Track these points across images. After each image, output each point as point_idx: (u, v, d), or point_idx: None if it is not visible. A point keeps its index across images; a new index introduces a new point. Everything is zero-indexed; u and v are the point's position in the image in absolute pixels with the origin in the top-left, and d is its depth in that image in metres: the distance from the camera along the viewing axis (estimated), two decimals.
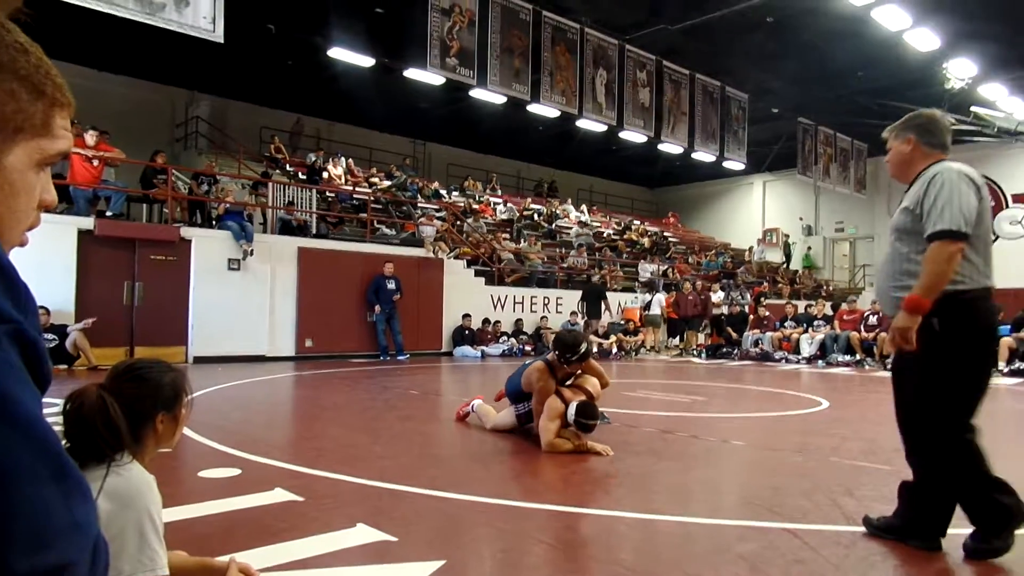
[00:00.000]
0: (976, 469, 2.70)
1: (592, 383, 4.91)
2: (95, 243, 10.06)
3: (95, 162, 10.47)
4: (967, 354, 2.66)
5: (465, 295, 14.26)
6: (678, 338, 16.47)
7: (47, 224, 9.43)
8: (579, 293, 16.28)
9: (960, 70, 16.05)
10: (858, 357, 13.30)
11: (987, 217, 2.70)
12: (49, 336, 8.76)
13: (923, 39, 14.21)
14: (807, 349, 14.05)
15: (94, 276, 10.05)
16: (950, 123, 2.93)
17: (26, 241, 0.66)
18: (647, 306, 16.38)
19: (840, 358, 13.40)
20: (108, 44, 13.41)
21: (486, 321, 14.30)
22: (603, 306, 14.99)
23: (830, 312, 14.77)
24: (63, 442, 1.32)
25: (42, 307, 8.46)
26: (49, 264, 9.14)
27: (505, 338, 14.35)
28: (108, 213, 10.56)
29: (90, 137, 10.46)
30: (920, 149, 2.89)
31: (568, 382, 4.89)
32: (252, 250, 11.40)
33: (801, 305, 16.60)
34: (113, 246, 10.23)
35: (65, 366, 9.02)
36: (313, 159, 16.27)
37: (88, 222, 10.04)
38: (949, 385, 2.67)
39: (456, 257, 14.94)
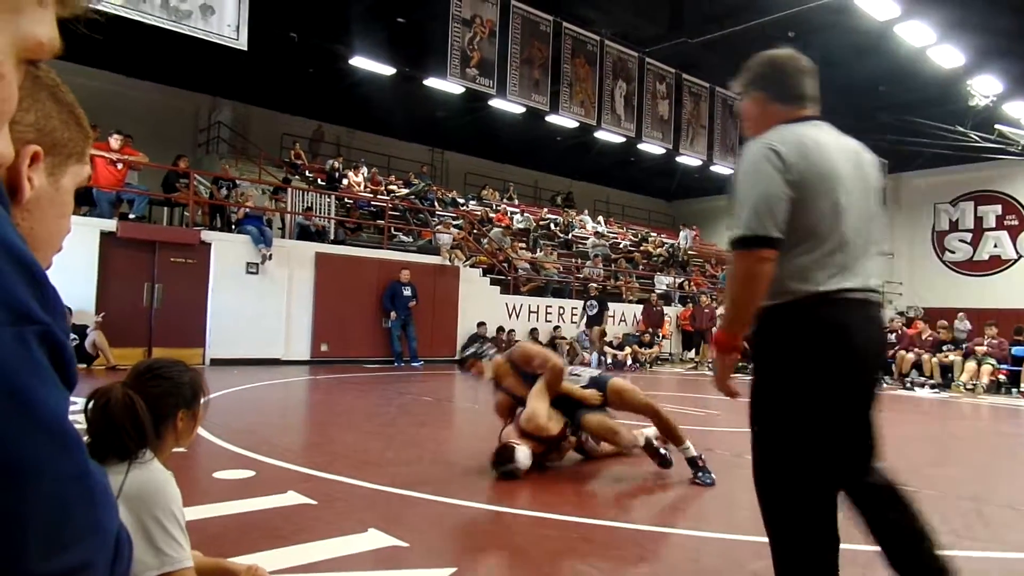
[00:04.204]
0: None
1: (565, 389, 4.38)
2: (117, 245, 10.19)
3: (119, 165, 10.63)
4: (805, 385, 1.89)
5: (480, 303, 14.28)
6: (694, 351, 16.36)
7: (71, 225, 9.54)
8: (592, 304, 16.27)
9: (984, 87, 15.90)
10: None
11: (822, 197, 1.88)
12: (70, 336, 8.87)
13: (947, 55, 14.09)
14: None
15: (115, 277, 10.18)
16: (806, 65, 2.10)
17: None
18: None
19: None
20: (135, 50, 13.63)
21: (500, 329, 14.30)
22: (603, 315, 14.85)
23: None
24: (85, 439, 1.34)
25: (65, 307, 8.58)
26: (71, 265, 9.26)
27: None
28: (130, 216, 10.71)
29: (114, 141, 10.62)
30: (767, 107, 2.07)
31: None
32: (271, 254, 11.49)
33: None
34: (134, 248, 10.36)
35: (84, 365, 9.13)
36: (333, 165, 16.42)
37: (110, 224, 10.18)
38: (791, 433, 1.92)
39: (472, 265, 14.97)
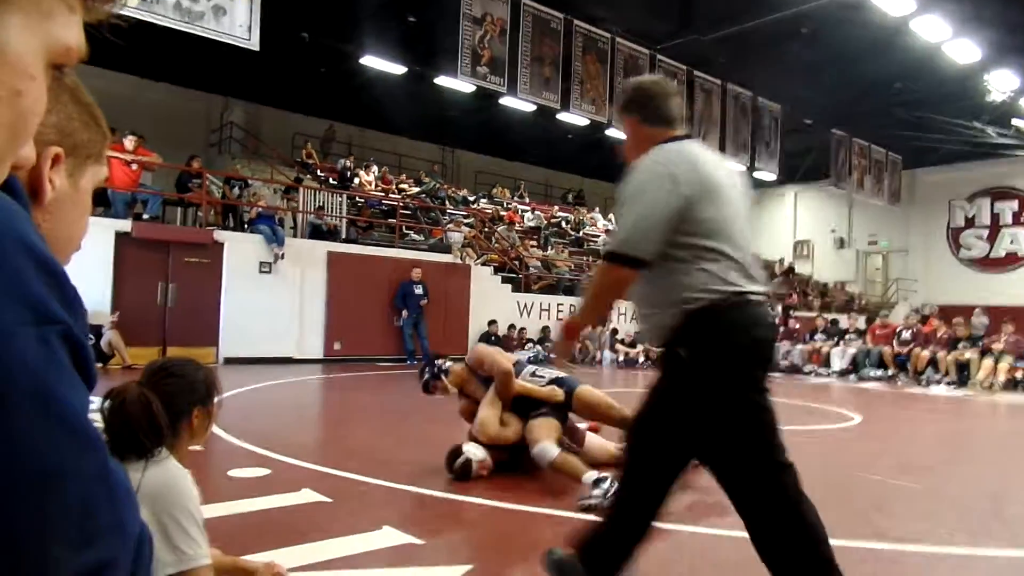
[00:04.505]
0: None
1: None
2: (131, 245, 10.28)
3: (133, 166, 10.72)
4: (716, 384, 1.97)
5: (491, 301, 14.28)
6: None
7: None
8: None
9: (1001, 82, 15.70)
10: (891, 372, 13.03)
11: (714, 207, 1.98)
12: (89, 335, 8.96)
13: (963, 50, 13.92)
14: (838, 363, 13.80)
15: (130, 277, 10.27)
16: (672, 89, 2.24)
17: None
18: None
19: (872, 373, 13.14)
20: (148, 52, 13.74)
21: (511, 327, 14.31)
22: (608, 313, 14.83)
23: (863, 326, 14.49)
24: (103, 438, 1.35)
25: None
26: (87, 265, 9.35)
27: (531, 345, 14.33)
28: (144, 216, 10.80)
29: (128, 142, 10.71)
30: (641, 129, 2.20)
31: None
32: (283, 254, 11.55)
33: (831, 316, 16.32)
34: (149, 248, 10.45)
35: (100, 364, 9.22)
36: (344, 164, 16.47)
37: (125, 224, 10.27)
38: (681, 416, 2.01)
39: (483, 264, 14.98)
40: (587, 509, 3.37)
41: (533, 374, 4.24)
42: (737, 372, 1.98)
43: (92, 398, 0.55)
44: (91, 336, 9.22)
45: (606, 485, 3.43)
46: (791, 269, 23.61)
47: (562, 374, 4.22)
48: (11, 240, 0.48)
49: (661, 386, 2.05)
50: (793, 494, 2.06)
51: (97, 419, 1.45)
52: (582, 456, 3.97)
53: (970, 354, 12.27)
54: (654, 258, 1.95)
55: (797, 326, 15.17)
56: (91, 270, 9.51)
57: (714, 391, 1.96)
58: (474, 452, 3.96)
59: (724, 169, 2.13)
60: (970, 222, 22.52)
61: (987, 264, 22.04)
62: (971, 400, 10.47)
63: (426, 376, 4.45)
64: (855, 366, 13.53)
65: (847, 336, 14.28)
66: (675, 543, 3.11)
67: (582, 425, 4.53)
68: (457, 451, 3.99)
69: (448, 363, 4.47)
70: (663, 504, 2.13)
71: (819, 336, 14.64)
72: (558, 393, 4.06)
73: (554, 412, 4.02)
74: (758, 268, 2.10)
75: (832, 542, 2.99)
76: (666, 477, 2.10)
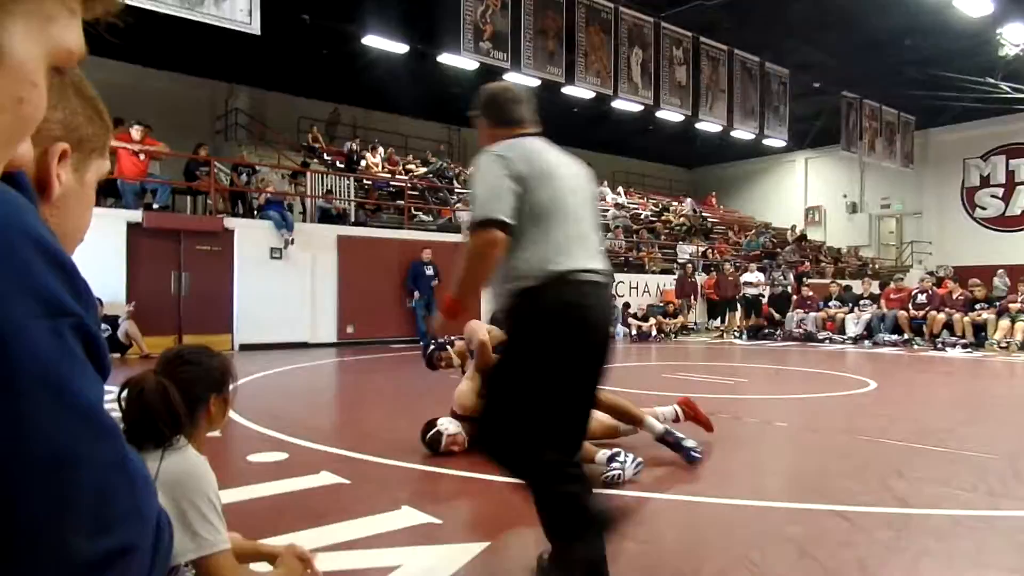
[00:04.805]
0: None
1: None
2: (143, 235, 10.34)
3: (141, 156, 10.74)
4: (537, 353, 2.13)
5: None
6: (719, 319, 16.25)
7: (98, 218, 9.62)
8: (617, 277, 16.17)
9: (1015, 36, 15.35)
10: (906, 336, 12.95)
11: (547, 192, 2.16)
12: (103, 326, 9.06)
13: (975, 4, 13.58)
14: (853, 329, 13.72)
15: (143, 267, 10.34)
16: (519, 94, 2.42)
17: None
18: None
19: (887, 338, 13.06)
20: (150, 40, 13.70)
21: None
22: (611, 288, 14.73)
23: (876, 291, 14.39)
24: (121, 427, 1.36)
25: (96, 298, 8.75)
26: (101, 256, 9.42)
27: None
28: (155, 206, 10.84)
29: (136, 132, 10.71)
30: (490, 130, 2.39)
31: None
32: (293, 239, 11.58)
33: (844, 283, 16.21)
34: (160, 237, 10.50)
35: (118, 355, 9.32)
36: (350, 147, 16.42)
37: (136, 215, 10.32)
38: (525, 391, 2.15)
39: None
40: (610, 483, 3.39)
41: None
42: (556, 345, 2.12)
43: (109, 387, 0.55)
44: (108, 327, 9.31)
45: (621, 458, 3.45)
46: (803, 236, 23.43)
47: None
48: (21, 234, 0.48)
49: (513, 349, 2.24)
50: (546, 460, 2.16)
51: (114, 408, 1.46)
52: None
53: (987, 315, 12.16)
54: (513, 220, 2.10)
55: (811, 293, 15.07)
56: (104, 261, 9.58)
57: (534, 357, 2.13)
58: (446, 426, 4.04)
59: (566, 162, 2.32)
60: (985, 181, 22.19)
61: (1003, 223, 21.74)
62: (988, 361, 10.40)
63: (430, 349, 4.48)
64: (870, 331, 13.45)
65: (861, 302, 14.18)
66: (693, 515, 3.12)
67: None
68: (431, 424, 4.08)
69: (452, 338, 4.47)
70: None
71: (833, 302, 14.55)
72: None
73: None
74: (596, 250, 2.26)
75: (854, 509, 3.00)
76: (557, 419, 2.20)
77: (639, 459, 3.57)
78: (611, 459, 3.49)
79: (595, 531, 2.13)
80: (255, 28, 9.60)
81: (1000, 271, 15.02)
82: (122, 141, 10.37)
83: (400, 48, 14.95)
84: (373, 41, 14.60)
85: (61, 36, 0.41)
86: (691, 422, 4.29)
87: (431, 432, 4.05)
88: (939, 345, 12.22)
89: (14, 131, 0.41)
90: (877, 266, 22.51)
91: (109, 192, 10.36)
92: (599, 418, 4.04)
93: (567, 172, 2.28)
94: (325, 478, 3.56)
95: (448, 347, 4.42)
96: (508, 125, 2.36)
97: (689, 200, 24.32)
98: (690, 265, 16.99)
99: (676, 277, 16.78)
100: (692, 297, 16.33)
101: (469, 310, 2.32)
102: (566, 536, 2.15)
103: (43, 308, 0.48)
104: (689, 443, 3.89)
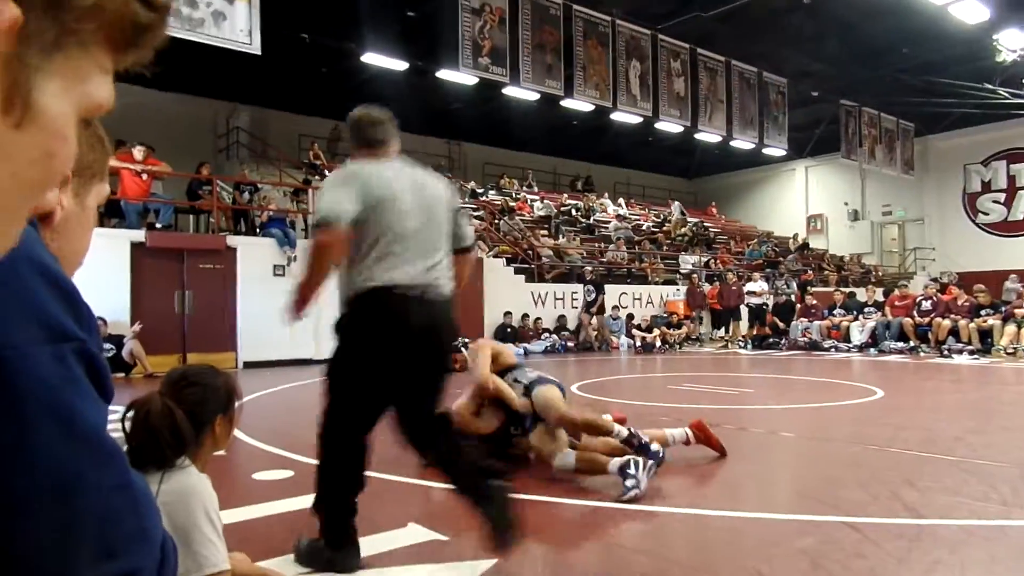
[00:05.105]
0: (346, 483, 2.57)
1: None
2: (147, 255, 10.36)
3: (144, 176, 10.79)
4: (359, 356, 2.47)
5: (505, 293, 14.27)
6: (723, 329, 16.21)
7: (102, 238, 9.65)
8: (620, 288, 16.17)
9: (1012, 41, 15.40)
10: (912, 344, 12.90)
11: (381, 213, 2.40)
12: (107, 346, 9.06)
13: (971, 11, 13.65)
14: (858, 337, 13.67)
15: (147, 286, 10.36)
16: (379, 118, 2.63)
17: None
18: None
19: (893, 345, 13.01)
20: (151, 61, 13.87)
21: (525, 316, 14.30)
22: (599, 299, 14.46)
23: (881, 298, 14.35)
24: (124, 449, 1.36)
25: (100, 318, 8.76)
26: (105, 276, 9.44)
27: (547, 335, 14.33)
28: (158, 225, 10.88)
29: (138, 152, 10.78)
30: (355, 152, 2.64)
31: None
32: (296, 256, 11.60)
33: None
34: (164, 257, 10.53)
35: (122, 374, 9.32)
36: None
37: (139, 234, 10.35)
38: (346, 386, 2.51)
39: (495, 255, 14.97)
40: (632, 501, 3.30)
41: (515, 379, 4.12)
42: (379, 351, 2.44)
43: (114, 407, 0.55)
44: (112, 346, 9.32)
45: (633, 469, 3.38)
46: (805, 245, 23.42)
47: (537, 375, 4.10)
48: (25, 261, 0.49)
49: (335, 352, 2.56)
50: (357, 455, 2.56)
51: (117, 429, 1.46)
52: (585, 448, 3.92)
53: (993, 321, 12.12)
54: (351, 223, 2.37)
55: (815, 302, 15.04)
56: (108, 281, 9.60)
57: (360, 361, 2.47)
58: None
59: (410, 183, 2.53)
60: (986, 186, 22.19)
61: (1006, 228, 21.72)
62: (995, 368, 10.34)
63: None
64: (875, 339, 13.40)
65: (866, 309, 14.14)
66: (700, 528, 3.10)
67: (604, 416, 4.53)
68: None
69: (467, 340, 4.50)
70: (363, 453, 2.61)
71: (837, 311, 14.51)
72: (524, 405, 3.99)
73: (537, 418, 3.94)
74: (428, 268, 2.49)
75: (864, 520, 2.97)
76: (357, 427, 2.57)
77: (651, 461, 3.48)
78: (623, 470, 3.39)
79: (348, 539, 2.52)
80: (255, 48, 9.68)
81: (1012, 276, 14.91)
82: (125, 162, 10.43)
83: (399, 65, 15.06)
84: (372, 59, 14.71)
85: (94, 93, 0.42)
86: (703, 445, 4.18)
87: None
88: (945, 352, 12.17)
89: (44, 183, 0.43)
90: (880, 273, 22.47)
91: (112, 212, 10.40)
92: (599, 447, 3.99)
93: (411, 195, 2.49)
94: None
95: (463, 349, 4.41)
96: (368, 146, 2.59)
97: (676, 204, 24.19)
98: (695, 275, 16.99)
99: (686, 289, 16.68)
100: (703, 308, 16.27)
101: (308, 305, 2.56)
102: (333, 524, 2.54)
103: (46, 334, 0.49)
104: (654, 446, 3.70)
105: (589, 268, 15.47)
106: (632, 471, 3.37)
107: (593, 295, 14.44)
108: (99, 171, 0.76)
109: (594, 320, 14.53)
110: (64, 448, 0.48)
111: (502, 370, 4.16)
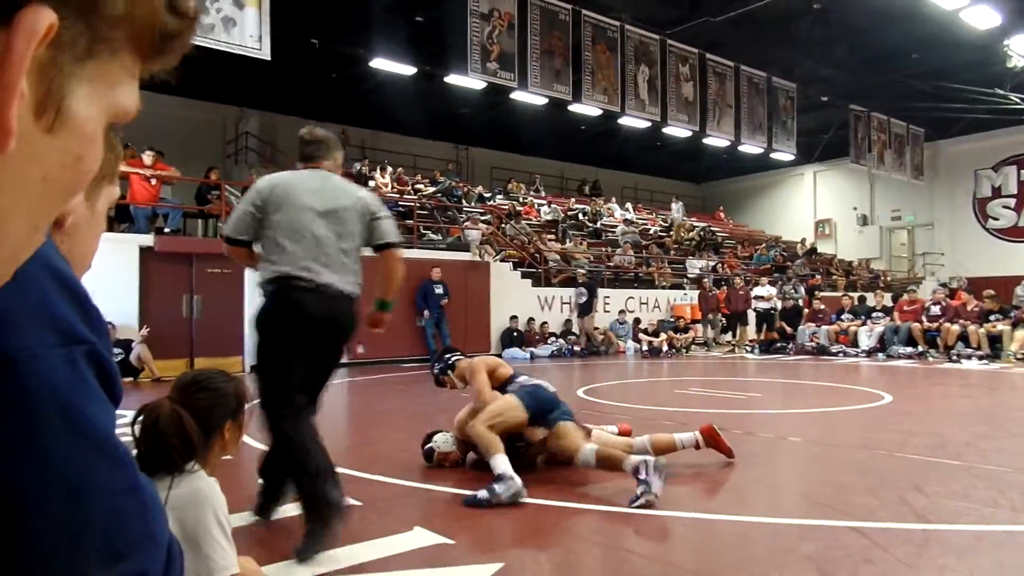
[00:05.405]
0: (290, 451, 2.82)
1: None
2: (155, 259, 10.42)
3: (153, 181, 10.87)
4: (264, 336, 2.92)
5: (512, 297, 14.28)
6: (730, 334, 16.14)
7: (111, 243, 9.69)
8: (627, 293, 16.15)
9: (1022, 47, 15.33)
10: (920, 349, 12.82)
11: (285, 215, 2.83)
12: (115, 350, 9.11)
13: (982, 16, 13.59)
14: (866, 342, 13.60)
15: (155, 291, 10.41)
16: (318, 136, 3.13)
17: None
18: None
19: (901, 350, 12.93)
20: (175, 68, 13.99)
21: (531, 320, 14.29)
22: (593, 303, 14.37)
23: (889, 303, 14.26)
24: (133, 453, 1.37)
25: (108, 322, 8.80)
26: (114, 281, 9.50)
27: (554, 339, 14.31)
28: (166, 230, 10.94)
29: (147, 157, 10.85)
30: (297, 162, 3.10)
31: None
32: None
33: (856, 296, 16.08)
34: (172, 261, 10.59)
35: (131, 379, 9.37)
36: (359, 168, 16.55)
37: (148, 239, 10.41)
38: (261, 362, 2.96)
39: (502, 260, 14.98)
40: (646, 506, 3.27)
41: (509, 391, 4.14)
42: (277, 333, 2.86)
43: (122, 411, 0.55)
44: (120, 351, 9.36)
45: (643, 474, 3.32)
46: (813, 249, 23.32)
47: (537, 384, 4.14)
48: (37, 264, 0.49)
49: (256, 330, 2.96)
50: (290, 433, 2.83)
51: (126, 434, 1.47)
52: (605, 444, 3.94)
53: (1002, 326, 12.03)
54: (244, 236, 2.93)
55: (823, 306, 14.97)
56: (117, 285, 9.66)
57: (264, 342, 2.91)
58: (439, 444, 4.27)
59: (322, 193, 2.92)
60: (996, 192, 22.05)
61: (1016, 233, 21.57)
62: (1005, 373, 10.26)
63: (435, 370, 4.55)
64: (883, 344, 13.32)
65: (874, 314, 14.06)
66: (708, 533, 3.08)
67: (609, 428, 4.55)
68: (430, 436, 4.34)
69: (457, 357, 4.45)
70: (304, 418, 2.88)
71: (846, 315, 14.44)
72: (522, 420, 4.02)
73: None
74: (324, 262, 2.82)
75: (872, 525, 2.96)
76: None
77: (661, 463, 3.43)
78: (636, 472, 3.36)
79: (317, 460, 2.78)
80: (265, 53, 9.74)
81: None
82: (134, 166, 10.50)
83: (407, 70, 15.12)
84: (381, 64, 14.77)
85: (121, 99, 0.43)
86: (712, 449, 4.18)
87: (425, 447, 4.33)
88: (954, 357, 12.09)
89: (73, 186, 0.43)
90: (889, 278, 22.35)
91: (121, 217, 10.48)
92: (612, 443, 3.99)
93: (319, 202, 2.88)
94: None
95: (449, 371, 4.41)
96: (303, 159, 3.09)
97: (679, 204, 24.05)
98: (707, 280, 16.86)
99: (698, 294, 16.47)
100: (715, 312, 16.03)
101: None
102: (296, 466, 2.81)
103: (58, 337, 0.49)
104: (654, 487, 3.32)
105: (582, 271, 15.22)
106: (644, 475, 3.33)
107: (585, 297, 14.31)
108: (108, 173, 0.77)
109: (586, 322, 14.40)
110: (74, 450, 0.48)
111: (502, 384, 4.19)
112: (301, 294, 2.79)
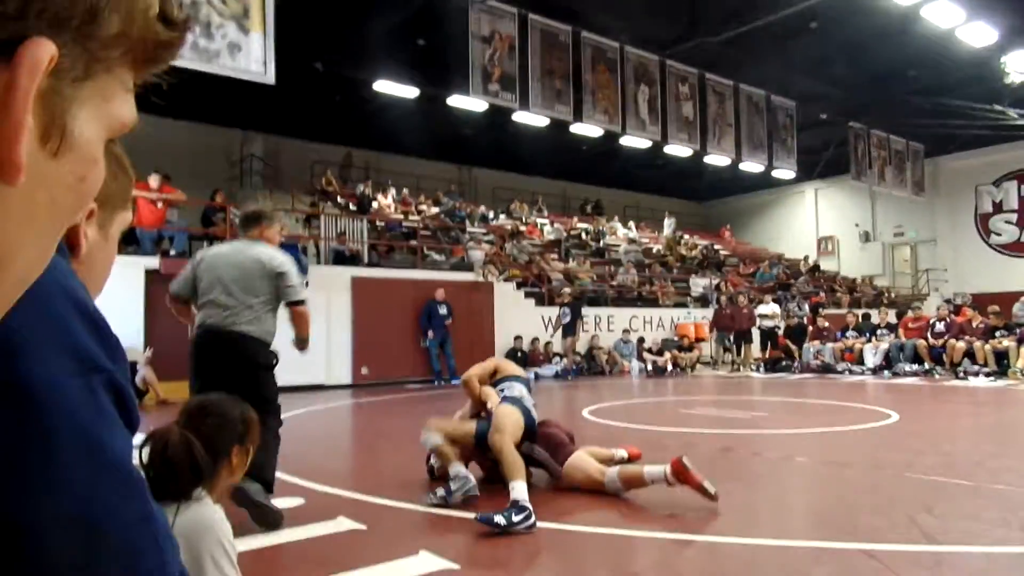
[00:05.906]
0: None
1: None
2: (161, 281, 10.43)
3: (159, 204, 10.94)
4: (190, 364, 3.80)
5: (516, 317, 14.27)
6: (733, 352, 16.08)
7: (117, 265, 9.74)
8: (631, 312, 16.13)
9: (1019, 63, 15.42)
10: (927, 366, 12.76)
11: (205, 278, 3.74)
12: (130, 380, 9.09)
13: (978, 34, 13.71)
14: (871, 359, 13.54)
15: (161, 313, 10.39)
16: (250, 213, 4.05)
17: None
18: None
19: (907, 368, 12.87)
20: (167, 91, 14.11)
21: (535, 340, 14.26)
22: (577, 323, 14.09)
23: (894, 320, 14.22)
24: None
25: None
26: (119, 303, 9.52)
27: (558, 359, 14.28)
28: (172, 252, 10.99)
29: (153, 180, 10.94)
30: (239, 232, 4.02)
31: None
32: (307, 281, 11.65)
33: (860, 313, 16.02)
34: None
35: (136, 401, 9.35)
36: (362, 190, 16.64)
37: (154, 261, 10.46)
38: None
39: (506, 280, 15.00)
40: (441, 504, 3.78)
41: (501, 390, 4.49)
42: (193, 362, 3.78)
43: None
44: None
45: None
46: (816, 266, 23.31)
47: (516, 396, 4.38)
48: (59, 293, 0.50)
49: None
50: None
51: (134, 458, 1.47)
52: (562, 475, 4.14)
53: (1008, 342, 11.98)
54: (185, 294, 3.87)
55: (827, 324, 14.92)
56: (123, 308, 9.68)
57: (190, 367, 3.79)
58: (428, 438, 4.28)
59: (235, 259, 3.77)
60: (998, 207, 22.08)
61: (1019, 249, 21.55)
62: (1012, 390, 10.20)
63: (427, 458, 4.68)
64: (889, 362, 13.26)
65: (879, 331, 14.02)
66: (715, 556, 3.06)
67: (620, 452, 4.57)
68: (432, 454, 4.42)
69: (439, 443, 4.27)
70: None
71: (850, 333, 14.39)
72: (492, 398, 4.43)
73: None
74: (226, 313, 3.71)
75: (882, 547, 2.93)
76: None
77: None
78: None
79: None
80: (270, 78, 9.83)
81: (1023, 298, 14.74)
82: (140, 190, 10.58)
83: (410, 92, 15.26)
84: (384, 86, 14.92)
85: (118, 112, 0.43)
86: (686, 486, 3.72)
87: (430, 461, 4.51)
88: (961, 374, 12.02)
89: (77, 206, 0.43)
90: (893, 295, 22.30)
91: (128, 239, 10.53)
92: (588, 468, 4.03)
93: (231, 266, 3.73)
94: (342, 523, 3.53)
95: (432, 454, 4.42)
96: (240, 230, 4.01)
97: (670, 220, 24.01)
98: (723, 298, 16.72)
99: (713, 311, 16.22)
100: (729, 331, 15.63)
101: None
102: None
103: (77, 365, 0.49)
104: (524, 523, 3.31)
105: (567, 290, 14.87)
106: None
107: (569, 317, 14.03)
108: (122, 199, 0.77)
109: (569, 343, 14.18)
110: (91, 479, 0.48)
111: (499, 379, 4.53)
112: (206, 336, 3.70)
